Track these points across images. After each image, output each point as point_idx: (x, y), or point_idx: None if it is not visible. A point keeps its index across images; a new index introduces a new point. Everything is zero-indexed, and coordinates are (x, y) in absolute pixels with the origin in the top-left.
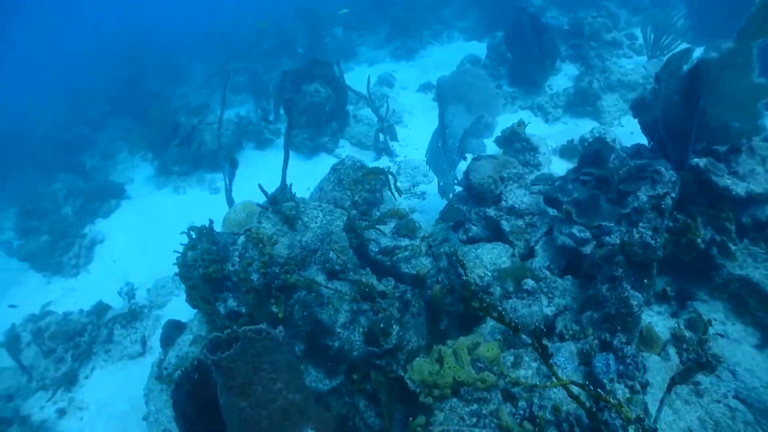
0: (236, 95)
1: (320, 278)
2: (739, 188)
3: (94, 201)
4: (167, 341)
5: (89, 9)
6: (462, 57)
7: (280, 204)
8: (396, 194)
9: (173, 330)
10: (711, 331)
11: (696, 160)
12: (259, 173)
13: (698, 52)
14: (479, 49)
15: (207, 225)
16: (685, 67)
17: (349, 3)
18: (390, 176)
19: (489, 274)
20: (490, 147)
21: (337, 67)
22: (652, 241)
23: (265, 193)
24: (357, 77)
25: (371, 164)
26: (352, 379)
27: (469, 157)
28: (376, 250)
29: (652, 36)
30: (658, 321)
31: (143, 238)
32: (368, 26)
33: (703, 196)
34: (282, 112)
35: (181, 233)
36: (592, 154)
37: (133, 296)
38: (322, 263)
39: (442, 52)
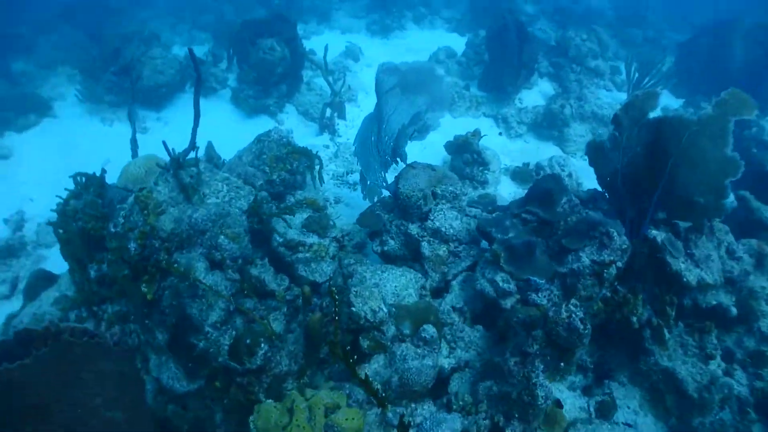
0: (202, 32)
1: (200, 265)
2: (691, 276)
3: (9, 110)
4: (31, 293)
5: None
6: (438, 47)
7: (182, 168)
8: (318, 182)
9: (42, 281)
10: (620, 418)
11: (654, 232)
12: (191, 118)
13: (677, 104)
14: (459, 43)
15: (98, 173)
16: (651, 114)
17: None
18: (317, 160)
19: (385, 309)
20: (434, 151)
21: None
22: (581, 326)
23: (168, 151)
24: (325, 42)
25: (312, 139)
26: (215, 386)
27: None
28: (280, 240)
29: (636, 75)
30: (567, 397)
31: (55, 164)
32: None
33: (652, 273)
34: (236, 62)
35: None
36: (541, 192)
37: (20, 228)
38: (209, 247)
39: (419, 37)
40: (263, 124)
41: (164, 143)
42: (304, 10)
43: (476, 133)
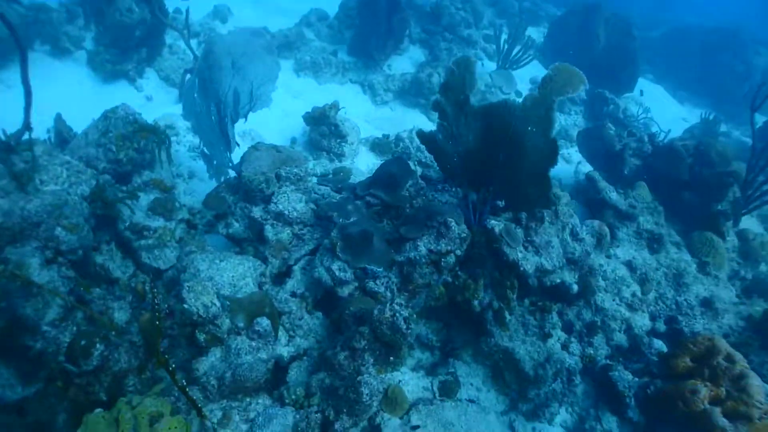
0: None
1: (35, 261)
2: (529, 265)
3: None
4: None
5: None
6: (310, 8)
7: (14, 153)
8: (167, 162)
9: None
10: (464, 395)
11: (493, 222)
12: (45, 89)
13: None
14: (334, 4)
15: None
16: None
17: None
18: (165, 138)
19: (218, 304)
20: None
21: None
22: (404, 326)
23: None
24: (193, 2)
25: (172, 107)
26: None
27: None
28: (127, 223)
29: (506, 46)
30: (411, 378)
31: None
32: None
33: (492, 261)
34: (93, 21)
35: None
36: (386, 175)
37: None
38: (45, 240)
39: None
40: (122, 90)
41: None
42: None
43: (334, 105)
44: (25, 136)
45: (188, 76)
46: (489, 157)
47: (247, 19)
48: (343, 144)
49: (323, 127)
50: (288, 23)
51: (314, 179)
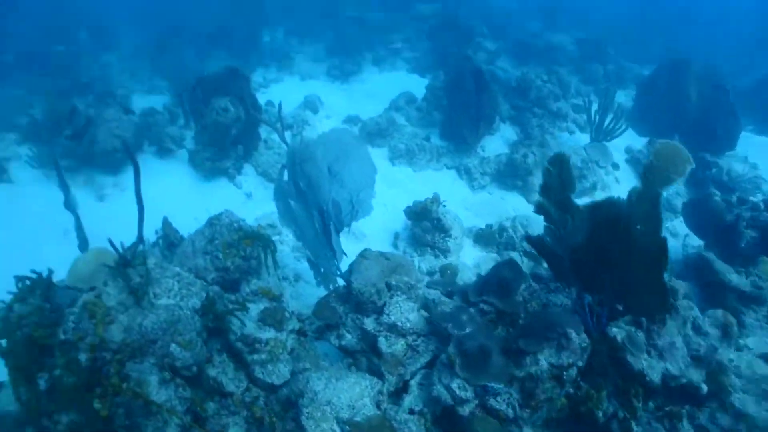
0: (162, 80)
1: (153, 378)
2: (654, 373)
3: None
4: None
5: None
6: (399, 91)
7: (131, 267)
8: (273, 268)
9: None
10: None
11: (614, 330)
12: (151, 188)
13: (640, 143)
14: (420, 84)
15: (45, 274)
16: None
17: (299, 5)
18: (271, 244)
19: (338, 430)
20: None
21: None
22: None
23: (115, 248)
24: (286, 90)
25: (272, 204)
26: None
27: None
28: (238, 335)
29: (597, 117)
30: None
31: (12, 236)
32: (312, 34)
33: (615, 369)
34: (192, 120)
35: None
36: (498, 281)
37: None
38: (161, 357)
39: (380, 80)
40: (222, 187)
41: (110, 241)
42: (265, 54)
43: (435, 200)
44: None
45: (285, 172)
46: (600, 260)
47: (337, 107)
48: (447, 238)
49: (426, 223)
50: (377, 108)
51: (425, 279)
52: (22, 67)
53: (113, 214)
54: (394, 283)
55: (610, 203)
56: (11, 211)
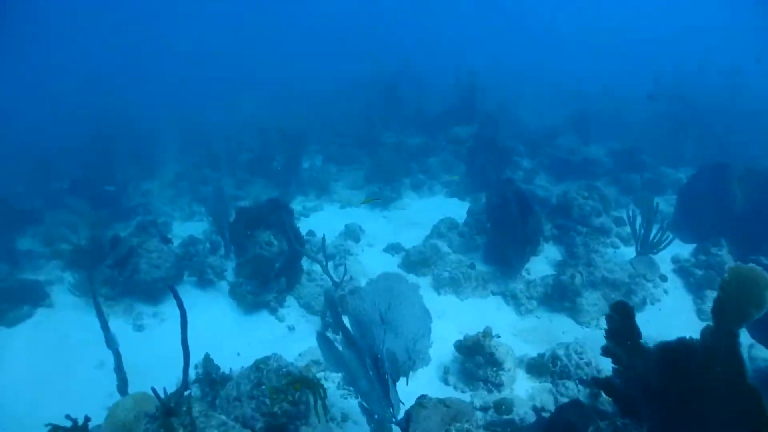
0: (201, 205)
1: None
2: None
3: (3, 302)
4: None
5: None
6: (439, 216)
7: (175, 415)
8: (322, 414)
9: None
10: None
11: None
12: (191, 320)
13: (687, 251)
14: (460, 208)
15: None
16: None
17: (340, 132)
18: (321, 390)
19: None
20: (444, 346)
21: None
22: None
23: (158, 396)
24: (326, 219)
25: (314, 340)
26: None
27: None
28: None
29: (642, 230)
30: None
31: (44, 363)
32: (350, 161)
33: None
34: (233, 251)
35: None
36: (564, 424)
37: None
38: None
39: (420, 205)
40: (263, 320)
41: (153, 390)
42: (304, 183)
43: (487, 334)
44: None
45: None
46: (677, 407)
47: (379, 234)
48: (500, 372)
49: (478, 357)
50: (419, 234)
51: (479, 415)
52: (76, 194)
53: (151, 346)
54: (454, 430)
55: (681, 344)
56: (49, 338)
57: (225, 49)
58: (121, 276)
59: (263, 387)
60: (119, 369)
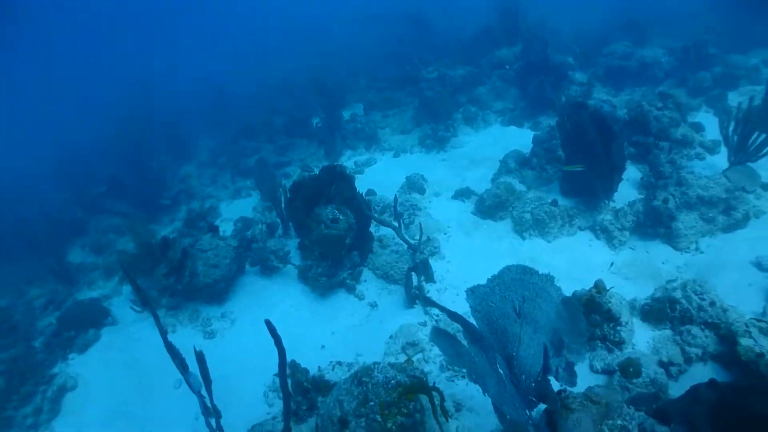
0: (245, 179)
1: None
2: None
3: (70, 328)
4: None
5: (92, 63)
6: (501, 149)
7: None
8: (442, 420)
9: None
10: None
11: None
12: (264, 314)
13: None
14: (521, 137)
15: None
16: None
17: (376, 77)
18: (435, 394)
19: None
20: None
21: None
22: None
23: None
24: (381, 173)
25: (403, 316)
26: None
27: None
28: None
29: (735, 137)
30: None
31: (122, 388)
32: (393, 104)
33: None
34: (293, 230)
35: None
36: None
37: None
38: None
39: (477, 140)
40: (342, 301)
41: None
42: (349, 136)
43: (600, 288)
44: None
45: (413, 275)
46: None
47: (443, 180)
48: (619, 328)
49: (594, 316)
50: (485, 173)
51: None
52: (115, 195)
53: (226, 353)
54: (607, 430)
55: None
56: (121, 360)
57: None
58: (179, 283)
59: (371, 404)
60: (207, 413)
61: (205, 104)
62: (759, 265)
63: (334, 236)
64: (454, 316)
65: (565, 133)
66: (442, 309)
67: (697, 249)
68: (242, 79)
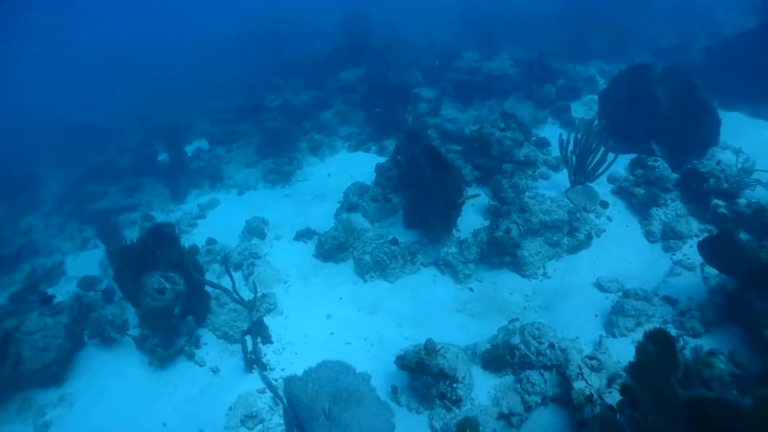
0: (93, 228)
1: None
2: None
3: None
4: None
5: None
6: (348, 180)
7: None
8: None
9: None
10: None
11: None
12: (104, 393)
13: (620, 166)
14: (367, 163)
15: None
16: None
17: (220, 107)
18: None
19: None
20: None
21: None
22: None
23: None
24: (223, 216)
25: (242, 383)
26: None
27: None
28: None
29: (573, 158)
30: None
31: None
32: (237, 136)
33: None
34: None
35: None
36: None
37: None
38: None
39: (323, 170)
40: (183, 371)
41: None
42: (194, 174)
43: (430, 351)
44: None
45: (248, 339)
46: None
47: (285, 220)
48: (455, 385)
49: (426, 378)
50: (329, 208)
51: None
52: None
53: None
54: None
55: (721, 402)
56: None
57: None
58: (1, 372)
59: None
60: None
61: (53, 141)
62: (600, 287)
63: (161, 308)
64: (278, 397)
65: (402, 169)
66: (271, 388)
67: (544, 274)
68: (98, 111)
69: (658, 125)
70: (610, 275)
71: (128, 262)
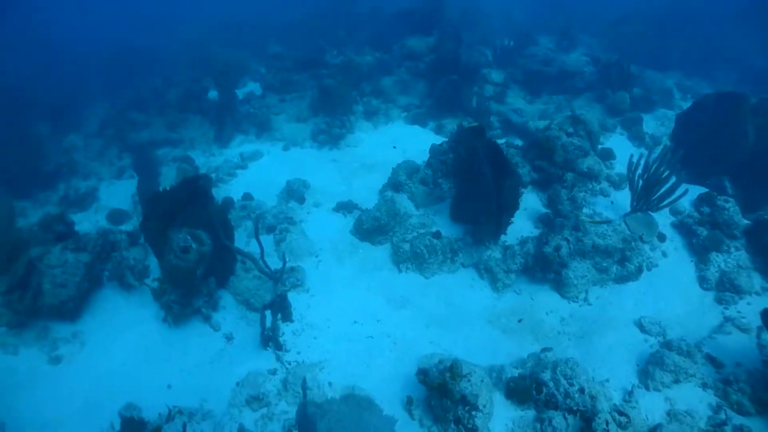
0: (129, 157)
1: None
2: None
3: None
4: None
5: None
6: (397, 163)
7: None
8: None
9: None
10: None
11: None
12: (112, 333)
13: (686, 199)
14: (421, 140)
15: None
16: None
17: (278, 54)
18: None
19: None
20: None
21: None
22: None
23: None
24: (265, 171)
25: (253, 360)
26: None
27: None
28: None
29: (640, 182)
30: None
31: None
32: (292, 87)
33: None
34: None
35: None
36: None
37: None
38: None
39: (375, 139)
40: (196, 333)
41: None
42: (242, 119)
43: (456, 375)
44: None
45: (267, 314)
46: None
47: (327, 187)
48: (474, 413)
49: (446, 401)
50: (375, 181)
51: None
52: None
53: (73, 383)
54: None
55: None
56: None
57: None
58: (22, 302)
59: None
60: None
61: (107, 64)
62: (641, 326)
63: (182, 268)
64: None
65: (458, 158)
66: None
67: (585, 299)
68: (155, 40)
69: (739, 161)
70: (654, 315)
71: (155, 215)
